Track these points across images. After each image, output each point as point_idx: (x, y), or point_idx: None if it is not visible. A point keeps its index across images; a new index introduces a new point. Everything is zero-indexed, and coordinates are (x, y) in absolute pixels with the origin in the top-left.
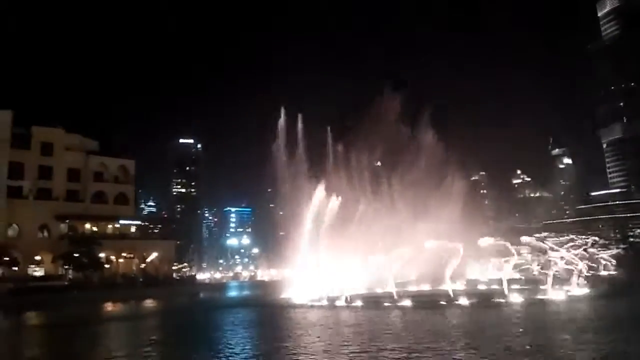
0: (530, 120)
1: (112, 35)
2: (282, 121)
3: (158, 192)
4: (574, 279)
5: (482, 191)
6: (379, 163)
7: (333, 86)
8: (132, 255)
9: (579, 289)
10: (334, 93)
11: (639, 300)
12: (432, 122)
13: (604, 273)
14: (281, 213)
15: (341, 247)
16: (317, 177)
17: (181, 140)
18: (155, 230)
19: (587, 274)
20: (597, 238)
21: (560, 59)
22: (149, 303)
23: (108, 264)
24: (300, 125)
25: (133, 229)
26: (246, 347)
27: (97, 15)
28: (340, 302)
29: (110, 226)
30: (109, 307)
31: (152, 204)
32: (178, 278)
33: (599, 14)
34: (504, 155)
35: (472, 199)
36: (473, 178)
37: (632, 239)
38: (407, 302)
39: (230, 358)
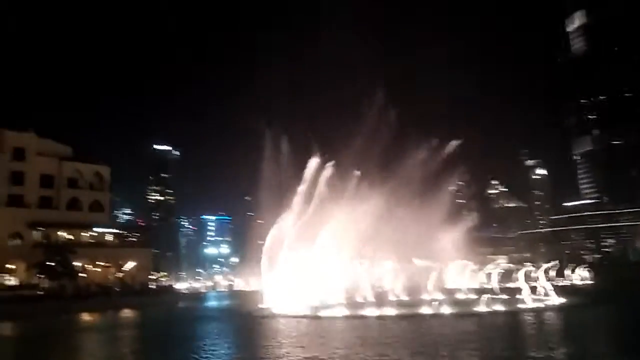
0: (506, 131)
1: (86, 40)
2: (266, 133)
3: (134, 200)
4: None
5: (459, 201)
6: (358, 172)
7: (316, 97)
8: (108, 264)
9: (556, 298)
10: (318, 104)
11: (611, 309)
12: (412, 133)
13: (579, 283)
14: (260, 221)
15: (321, 255)
16: (297, 186)
17: (158, 147)
18: (132, 239)
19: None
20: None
21: (535, 70)
22: (125, 313)
23: (83, 272)
24: (283, 146)
25: (109, 237)
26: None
27: (70, 20)
28: (321, 312)
29: (85, 234)
30: (85, 317)
31: (128, 211)
32: (155, 287)
33: (569, 29)
34: (480, 166)
35: (451, 209)
36: (451, 188)
37: (605, 249)
38: (389, 312)
39: None
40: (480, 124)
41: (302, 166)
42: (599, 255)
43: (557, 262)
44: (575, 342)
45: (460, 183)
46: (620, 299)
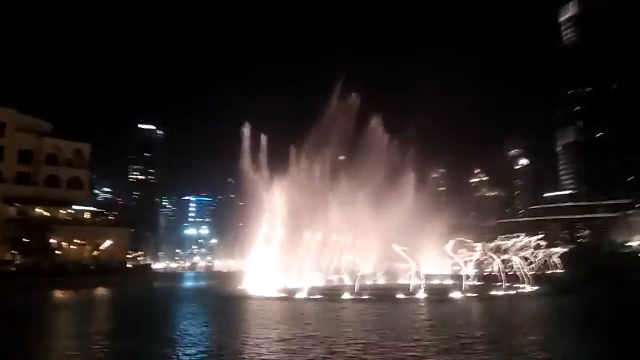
0: (489, 120)
1: (70, 15)
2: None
3: (114, 178)
4: (522, 277)
5: (440, 188)
6: (342, 157)
7: (298, 81)
8: (84, 242)
9: (528, 286)
10: (300, 88)
11: (582, 297)
12: (395, 120)
13: (550, 271)
14: (241, 204)
15: (301, 238)
16: (279, 169)
17: (141, 126)
18: (110, 217)
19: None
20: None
21: (522, 60)
22: (100, 291)
23: (59, 250)
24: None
25: (87, 215)
26: (200, 340)
27: None
28: (299, 294)
29: (62, 211)
30: (59, 294)
31: (108, 189)
32: (132, 266)
33: (560, 19)
34: (463, 154)
35: (431, 196)
36: (433, 175)
37: (580, 240)
38: (365, 296)
39: (184, 350)
40: (463, 110)
41: (285, 150)
42: (572, 246)
43: (537, 239)
44: (535, 328)
45: (442, 170)
46: (587, 288)
